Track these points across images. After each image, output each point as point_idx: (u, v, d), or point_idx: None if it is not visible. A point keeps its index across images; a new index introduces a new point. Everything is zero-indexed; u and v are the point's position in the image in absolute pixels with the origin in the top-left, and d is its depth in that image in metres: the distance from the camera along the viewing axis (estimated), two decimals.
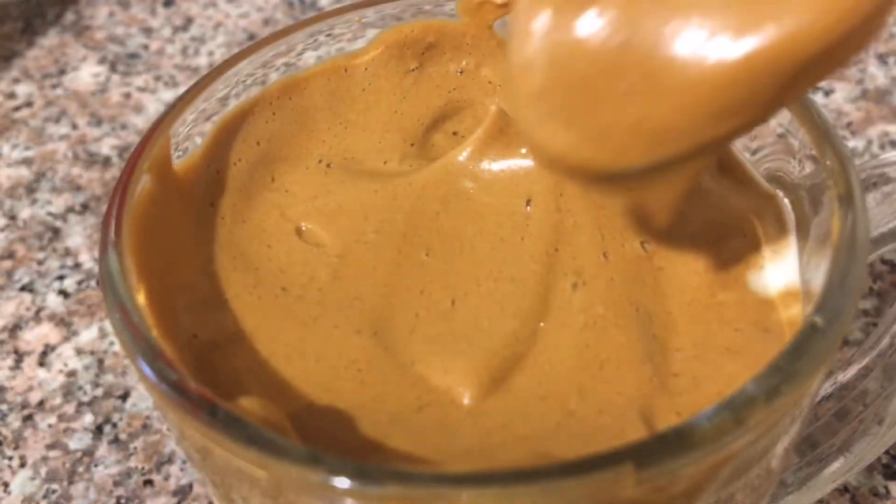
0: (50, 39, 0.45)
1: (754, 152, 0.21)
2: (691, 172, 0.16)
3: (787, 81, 0.13)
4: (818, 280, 0.17)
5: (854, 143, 0.36)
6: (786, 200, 0.20)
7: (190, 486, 0.27)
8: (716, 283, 0.19)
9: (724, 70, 0.13)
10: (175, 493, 0.27)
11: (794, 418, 0.16)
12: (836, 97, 0.38)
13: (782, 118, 0.20)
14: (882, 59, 0.40)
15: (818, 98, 0.38)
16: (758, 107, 0.14)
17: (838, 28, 0.13)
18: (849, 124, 0.37)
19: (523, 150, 0.21)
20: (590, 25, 0.14)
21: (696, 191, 0.20)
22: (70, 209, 0.37)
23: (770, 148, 0.21)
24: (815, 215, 0.19)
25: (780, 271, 0.19)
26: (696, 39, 0.13)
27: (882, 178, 0.18)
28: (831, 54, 0.13)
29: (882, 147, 0.36)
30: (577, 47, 0.14)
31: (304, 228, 0.21)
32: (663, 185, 0.15)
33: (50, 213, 0.36)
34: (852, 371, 0.21)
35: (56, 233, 0.36)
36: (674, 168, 0.15)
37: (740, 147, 0.22)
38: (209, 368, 0.18)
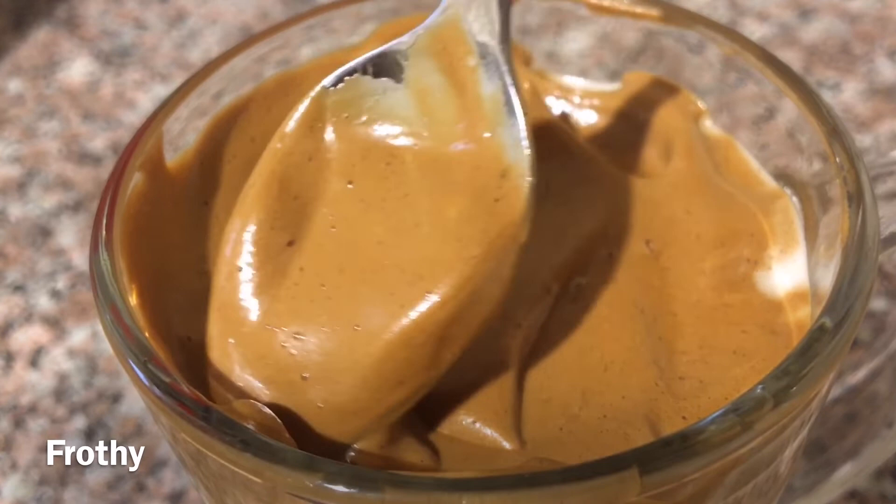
0: (41, 34, 0.45)
1: (762, 149, 0.21)
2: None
3: (431, 349, 0.15)
4: (827, 280, 0.17)
5: (863, 140, 0.35)
6: (794, 199, 0.20)
7: (183, 490, 0.27)
8: (723, 283, 0.19)
9: (374, 352, 0.15)
10: (169, 498, 0.27)
11: (804, 422, 0.16)
12: (844, 94, 0.38)
13: (790, 114, 0.19)
14: (891, 54, 0.39)
15: (826, 94, 0.37)
16: (417, 374, 0.16)
17: (457, 300, 0.15)
18: (858, 121, 0.36)
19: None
20: (263, 334, 0.16)
21: (702, 189, 0.20)
22: (62, 208, 0.36)
23: (778, 145, 0.20)
24: (825, 214, 0.18)
25: (789, 272, 0.19)
26: (346, 331, 0.16)
27: (892, 175, 0.18)
28: (465, 319, 0.15)
29: (891, 144, 0.35)
30: (257, 353, 0.16)
31: None
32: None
33: (41, 212, 0.36)
34: (861, 373, 0.21)
35: (47, 232, 0.35)
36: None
37: (748, 144, 0.21)
38: (203, 371, 0.18)
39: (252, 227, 0.16)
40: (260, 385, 0.16)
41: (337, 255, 0.16)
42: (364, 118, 0.17)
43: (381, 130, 0.17)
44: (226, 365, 0.16)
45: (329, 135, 0.17)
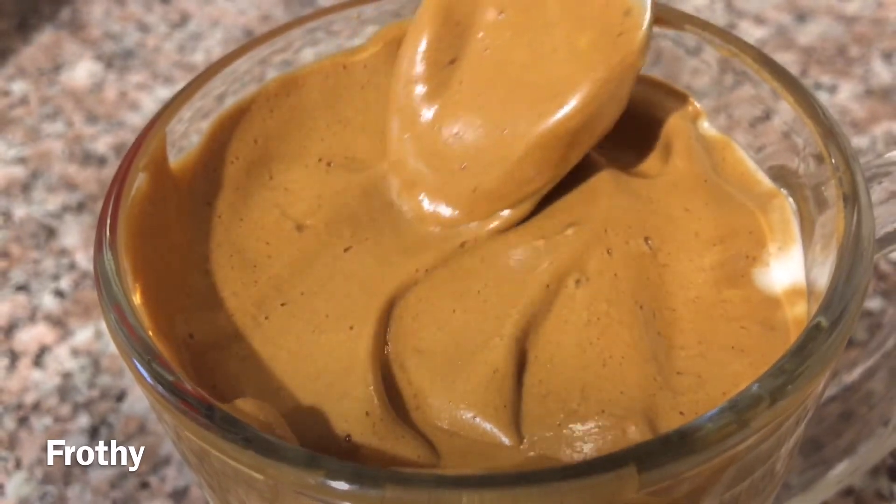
0: (45, 36, 0.45)
1: (759, 150, 0.21)
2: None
3: (562, 150, 0.19)
4: (823, 279, 0.17)
5: (858, 141, 0.36)
6: (790, 199, 0.20)
7: (186, 488, 0.27)
8: (721, 280, 0.19)
9: (517, 150, 0.19)
10: (171, 496, 0.27)
11: (799, 420, 0.16)
12: (840, 95, 0.38)
13: (787, 116, 0.20)
14: (887, 57, 0.39)
15: (823, 96, 0.38)
16: (550, 169, 0.20)
17: (584, 113, 0.19)
18: (853, 122, 0.36)
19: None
20: (432, 132, 0.20)
21: (701, 188, 0.20)
22: (66, 208, 0.36)
23: (775, 146, 0.20)
24: (820, 214, 0.18)
25: (786, 269, 0.19)
26: (496, 133, 0.20)
27: (887, 176, 0.18)
28: (589, 128, 0.19)
29: (887, 145, 0.35)
30: (427, 147, 0.20)
31: (305, 227, 0.21)
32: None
33: (45, 213, 0.36)
34: (857, 372, 0.21)
35: (51, 232, 0.35)
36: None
37: (745, 145, 0.22)
38: (206, 369, 0.18)
39: (423, 46, 0.20)
40: (427, 171, 0.20)
41: (489, 73, 0.20)
42: None
43: None
44: (401, 156, 0.20)
45: None
